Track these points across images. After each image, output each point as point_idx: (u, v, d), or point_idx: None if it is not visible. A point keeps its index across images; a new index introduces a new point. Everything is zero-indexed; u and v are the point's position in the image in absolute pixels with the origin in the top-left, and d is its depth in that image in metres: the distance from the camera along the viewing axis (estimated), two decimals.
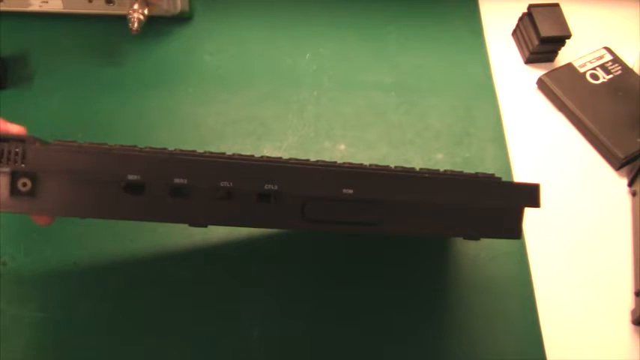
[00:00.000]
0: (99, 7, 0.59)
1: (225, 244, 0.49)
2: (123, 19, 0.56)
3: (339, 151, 0.56)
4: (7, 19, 0.59)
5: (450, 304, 0.49)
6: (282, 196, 0.36)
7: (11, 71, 0.56)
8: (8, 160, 0.32)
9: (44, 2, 0.58)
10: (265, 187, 0.35)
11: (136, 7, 0.56)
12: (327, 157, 0.55)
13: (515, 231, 0.40)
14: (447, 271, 0.51)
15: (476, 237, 0.44)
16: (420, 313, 0.48)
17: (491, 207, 0.39)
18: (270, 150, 0.55)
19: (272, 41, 0.63)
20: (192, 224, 0.36)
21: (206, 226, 0.37)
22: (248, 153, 0.54)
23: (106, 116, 0.55)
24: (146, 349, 0.45)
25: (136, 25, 0.56)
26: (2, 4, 0.58)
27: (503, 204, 0.39)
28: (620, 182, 0.57)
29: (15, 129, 0.37)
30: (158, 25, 0.61)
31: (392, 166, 0.43)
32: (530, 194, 0.39)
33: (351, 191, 0.36)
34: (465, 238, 0.46)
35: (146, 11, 0.57)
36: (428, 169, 0.42)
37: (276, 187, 0.35)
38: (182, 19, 0.62)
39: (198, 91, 0.58)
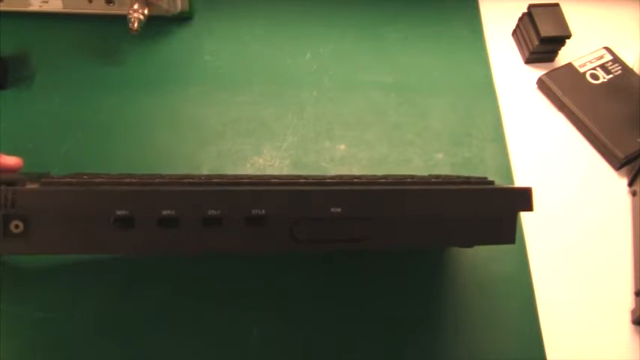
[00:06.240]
0: (99, 7, 0.59)
1: None
2: (123, 19, 0.56)
3: (339, 151, 0.56)
4: (7, 19, 0.59)
5: (450, 304, 0.49)
6: (271, 219, 0.36)
7: (11, 71, 0.56)
8: None
9: (44, 2, 0.58)
10: (253, 212, 0.35)
11: (136, 7, 0.56)
12: (327, 157, 0.55)
13: (509, 236, 0.40)
14: (446, 271, 0.51)
15: (469, 245, 0.44)
16: (420, 313, 0.48)
17: (484, 215, 0.39)
18: (270, 150, 0.55)
19: (272, 41, 0.63)
20: (183, 256, 0.36)
21: (198, 256, 0.37)
22: (248, 153, 0.54)
23: (106, 116, 0.55)
24: (146, 349, 0.45)
25: (136, 25, 0.56)
26: (2, 4, 0.58)
27: (495, 211, 0.39)
28: (620, 182, 0.57)
29: (11, 161, 0.37)
30: (158, 25, 0.61)
31: (384, 174, 0.42)
32: (522, 198, 0.39)
33: (339, 210, 0.36)
34: (459, 247, 0.45)
35: (146, 11, 0.57)
36: (419, 178, 0.41)
37: (263, 212, 0.35)
38: (182, 19, 0.62)
39: (199, 91, 0.58)
